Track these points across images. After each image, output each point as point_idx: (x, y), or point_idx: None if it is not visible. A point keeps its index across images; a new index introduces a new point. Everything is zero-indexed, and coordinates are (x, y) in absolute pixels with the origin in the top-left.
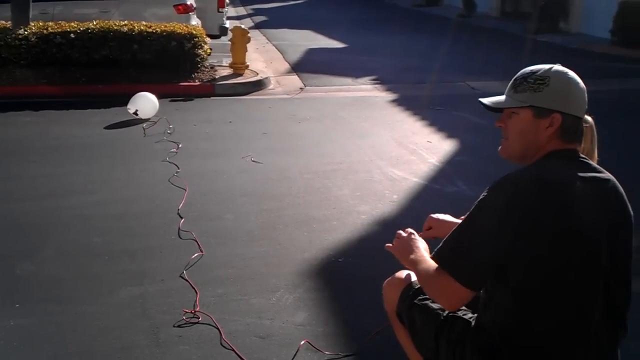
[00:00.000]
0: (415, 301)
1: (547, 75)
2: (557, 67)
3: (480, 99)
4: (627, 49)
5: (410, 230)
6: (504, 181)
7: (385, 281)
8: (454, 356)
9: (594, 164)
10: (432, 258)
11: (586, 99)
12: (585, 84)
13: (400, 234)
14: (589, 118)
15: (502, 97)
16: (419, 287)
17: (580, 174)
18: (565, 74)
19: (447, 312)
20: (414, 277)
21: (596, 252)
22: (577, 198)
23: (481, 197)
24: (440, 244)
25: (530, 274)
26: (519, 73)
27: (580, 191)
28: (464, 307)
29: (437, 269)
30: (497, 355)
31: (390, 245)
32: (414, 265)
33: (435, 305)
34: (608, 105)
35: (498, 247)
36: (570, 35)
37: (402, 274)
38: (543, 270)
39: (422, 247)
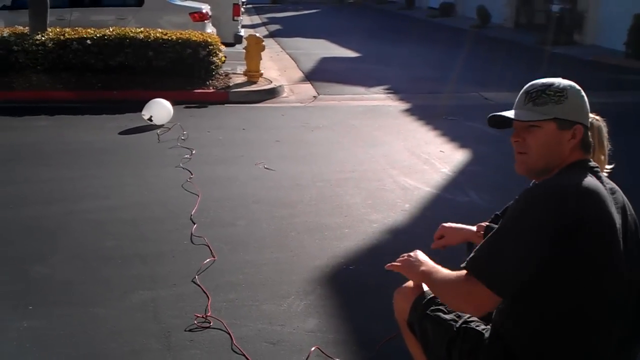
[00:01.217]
0: (427, 311)
1: (564, 87)
2: (563, 80)
3: (497, 113)
4: None
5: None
6: (543, 191)
7: (396, 290)
8: None
9: (598, 170)
10: (465, 267)
11: None
12: (599, 96)
13: (403, 255)
14: (597, 117)
15: (514, 112)
16: (430, 297)
17: (603, 184)
18: (575, 86)
19: (460, 323)
20: (425, 287)
21: (623, 263)
22: (611, 206)
23: (517, 206)
24: (474, 253)
25: (568, 284)
26: (529, 86)
27: (609, 199)
28: (476, 318)
29: (464, 275)
30: None
31: (393, 264)
32: (428, 276)
33: (447, 316)
34: (622, 117)
35: (538, 257)
36: (585, 47)
37: (413, 283)
38: (581, 282)
39: (429, 260)
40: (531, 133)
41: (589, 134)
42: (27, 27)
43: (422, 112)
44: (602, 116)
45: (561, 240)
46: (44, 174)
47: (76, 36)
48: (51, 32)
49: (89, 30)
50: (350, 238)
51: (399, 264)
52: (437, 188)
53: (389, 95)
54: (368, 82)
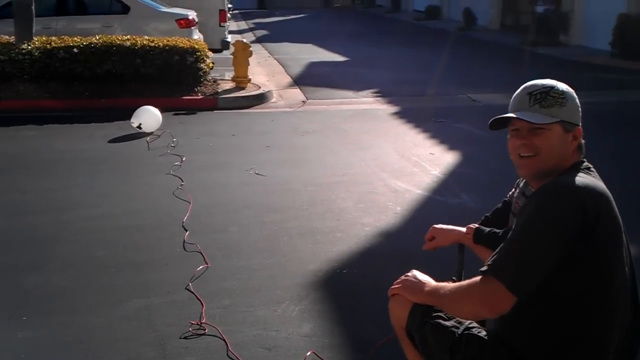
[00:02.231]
0: (426, 319)
1: (564, 90)
2: (558, 82)
3: (506, 115)
4: (626, 61)
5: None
6: (560, 190)
7: (390, 296)
8: None
9: None
10: (485, 270)
11: None
12: (584, 96)
13: (400, 278)
14: None
15: (520, 114)
16: (428, 305)
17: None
18: (569, 88)
19: (461, 329)
20: None
21: (628, 261)
22: (615, 206)
23: (534, 206)
24: (493, 255)
25: (578, 282)
26: (530, 88)
27: (612, 199)
28: (477, 324)
29: (479, 280)
30: None
31: (394, 288)
32: (435, 293)
33: (448, 323)
34: (608, 117)
35: (557, 257)
36: (570, 47)
37: None
38: (597, 279)
39: (429, 279)
40: (539, 135)
41: None
42: (12, 37)
43: (411, 115)
44: (589, 116)
45: (581, 238)
46: (34, 184)
47: (63, 45)
48: (37, 41)
49: (75, 38)
50: (342, 242)
51: (399, 286)
52: (428, 190)
53: (377, 98)
54: (356, 85)
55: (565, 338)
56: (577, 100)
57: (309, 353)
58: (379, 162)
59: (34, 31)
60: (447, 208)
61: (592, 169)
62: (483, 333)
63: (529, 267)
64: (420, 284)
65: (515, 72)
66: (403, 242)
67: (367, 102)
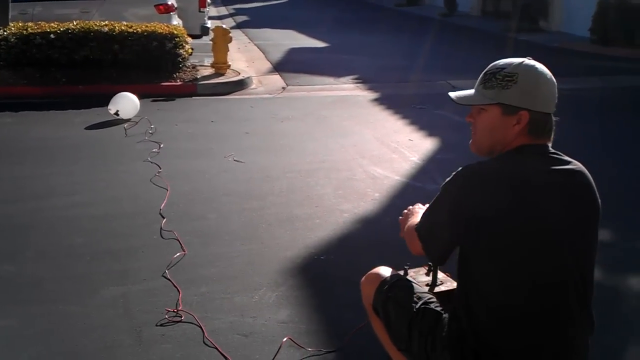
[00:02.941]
0: (390, 294)
1: (516, 72)
2: (527, 61)
3: (450, 93)
4: (606, 47)
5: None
6: (459, 172)
7: (363, 278)
8: (426, 345)
9: (565, 157)
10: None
11: (556, 94)
12: (565, 82)
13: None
14: None
15: (472, 92)
16: (393, 282)
17: (544, 167)
18: (535, 69)
19: (420, 304)
20: (387, 273)
21: (559, 242)
22: (534, 190)
23: (446, 180)
24: (420, 219)
25: (489, 262)
26: (489, 67)
27: (539, 183)
28: (435, 300)
29: (414, 227)
30: (465, 343)
31: (400, 218)
32: (407, 227)
33: (408, 298)
34: (588, 102)
35: (454, 235)
36: (551, 34)
37: (378, 270)
38: (501, 259)
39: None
40: (480, 115)
41: (544, 120)
42: None
43: (391, 101)
44: (570, 102)
45: (471, 222)
46: (11, 171)
47: (39, 30)
48: (14, 26)
49: (52, 24)
50: (321, 228)
51: (401, 217)
52: (407, 176)
53: (357, 84)
54: (337, 72)
55: (498, 318)
56: (537, 84)
57: (285, 339)
58: (358, 149)
59: (10, 17)
60: (425, 194)
61: (541, 152)
62: (440, 308)
63: (435, 240)
64: (410, 217)
65: (496, 59)
66: (381, 229)
67: (347, 89)
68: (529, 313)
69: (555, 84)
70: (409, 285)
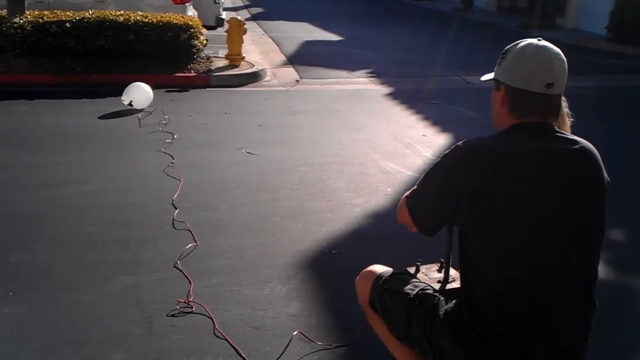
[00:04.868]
0: (385, 286)
1: (510, 49)
2: (530, 40)
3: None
4: (622, 45)
5: None
6: (458, 145)
7: (357, 277)
8: (425, 325)
9: (571, 136)
10: (407, 195)
11: (549, 72)
12: (581, 80)
13: None
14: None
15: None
16: (388, 276)
17: (535, 146)
18: (528, 45)
19: (416, 291)
20: (381, 269)
21: (548, 219)
22: (515, 167)
23: (442, 154)
24: (411, 189)
25: (478, 235)
26: None
27: (522, 161)
28: (431, 288)
29: (404, 200)
30: (463, 319)
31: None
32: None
33: (404, 288)
34: (604, 101)
35: (443, 206)
36: (567, 31)
37: (371, 267)
38: (488, 232)
39: None
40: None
41: (522, 96)
42: (4, 10)
43: (405, 96)
44: (583, 100)
45: (460, 197)
46: (24, 159)
47: (55, 19)
48: (30, 15)
49: (68, 13)
50: (332, 222)
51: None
52: (419, 172)
53: (371, 79)
54: (351, 65)
55: (488, 290)
56: (520, 59)
57: (295, 332)
58: (371, 143)
59: (26, 5)
60: None
61: (546, 131)
62: (437, 293)
63: (421, 202)
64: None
65: None
66: (392, 224)
67: (361, 83)
68: (516, 285)
69: (553, 62)
70: (403, 277)
